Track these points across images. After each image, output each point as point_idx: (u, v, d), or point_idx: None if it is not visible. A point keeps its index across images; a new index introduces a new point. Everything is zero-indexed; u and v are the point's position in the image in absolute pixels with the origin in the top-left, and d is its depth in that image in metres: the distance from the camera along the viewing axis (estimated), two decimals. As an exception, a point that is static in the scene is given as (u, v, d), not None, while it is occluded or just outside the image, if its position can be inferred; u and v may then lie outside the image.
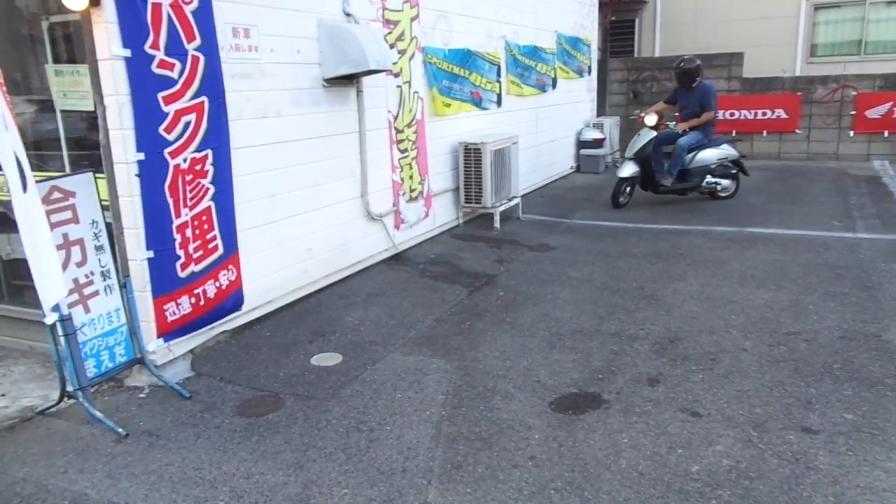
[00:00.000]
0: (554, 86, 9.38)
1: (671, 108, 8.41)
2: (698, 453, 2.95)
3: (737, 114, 11.68)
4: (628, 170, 7.96)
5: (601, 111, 12.38)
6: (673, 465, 2.87)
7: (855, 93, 10.93)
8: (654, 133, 7.85)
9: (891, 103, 10.71)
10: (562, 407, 3.41)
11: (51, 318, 3.09)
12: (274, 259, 4.60)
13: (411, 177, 6.17)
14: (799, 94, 11.26)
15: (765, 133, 11.62)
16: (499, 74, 7.70)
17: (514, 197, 7.52)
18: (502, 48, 7.83)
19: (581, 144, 10.91)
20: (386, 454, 3.03)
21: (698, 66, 7.91)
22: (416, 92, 6.11)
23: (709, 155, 8.05)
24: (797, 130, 11.43)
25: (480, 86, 7.29)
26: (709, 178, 8.08)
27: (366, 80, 5.29)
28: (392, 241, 5.98)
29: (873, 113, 10.86)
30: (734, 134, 11.72)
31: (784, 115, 11.42)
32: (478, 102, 7.29)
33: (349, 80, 5.09)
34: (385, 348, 4.17)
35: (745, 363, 3.82)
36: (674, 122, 8.09)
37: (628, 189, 8.09)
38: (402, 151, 6.01)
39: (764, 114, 11.55)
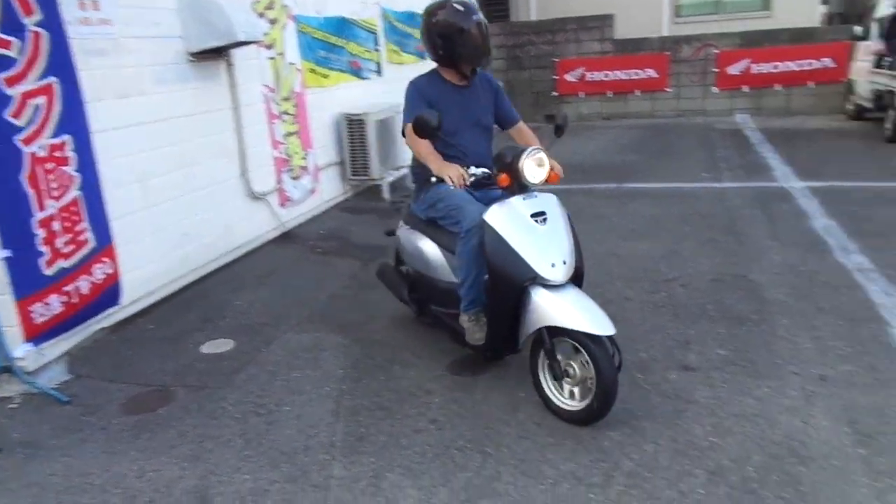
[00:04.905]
0: (434, 53, 9.36)
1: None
2: (590, 399, 3.06)
3: (610, 75, 12.12)
4: None
5: (483, 77, 12.50)
6: (567, 413, 2.99)
7: (716, 51, 11.60)
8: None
9: (748, 60, 11.46)
10: (460, 369, 3.46)
11: None
12: (152, 247, 4.36)
13: (295, 152, 6.00)
14: (667, 53, 11.82)
15: (637, 92, 12.14)
16: (376, 43, 7.59)
17: (402, 166, 7.48)
18: (378, 15, 7.70)
19: (465, 111, 10.99)
20: (287, 435, 2.97)
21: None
22: (291, 63, 5.91)
23: None
24: (667, 89, 12.02)
25: (358, 55, 7.16)
26: None
27: (236, 52, 5.05)
28: (279, 220, 5.81)
29: (734, 69, 11.58)
30: (610, 95, 12.20)
31: (655, 75, 11.97)
32: (357, 72, 7.17)
33: (218, 53, 4.83)
34: (279, 329, 4.07)
35: (629, 311, 4.02)
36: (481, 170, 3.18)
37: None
38: (283, 126, 5.82)
39: (636, 74, 12.05)
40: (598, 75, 12.16)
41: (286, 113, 5.85)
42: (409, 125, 3.16)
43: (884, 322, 3.69)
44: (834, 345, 3.48)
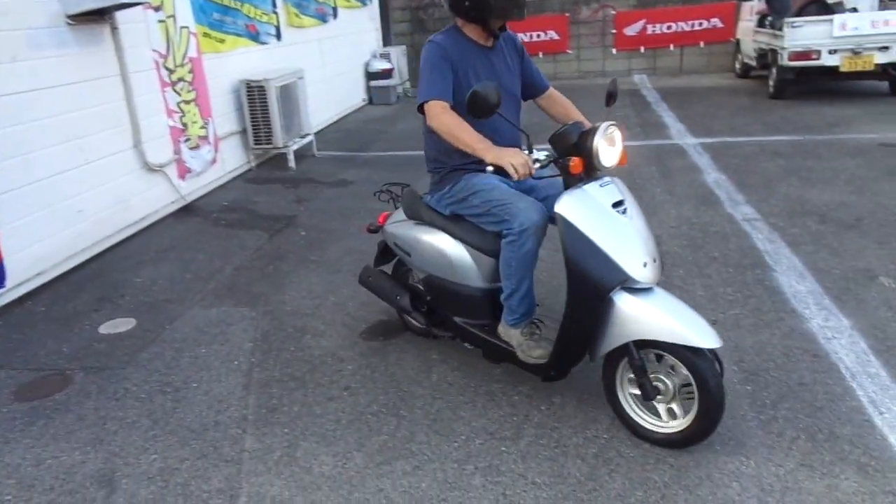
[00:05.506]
0: (335, 15, 9.10)
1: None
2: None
3: (514, 37, 12.19)
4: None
5: (386, 41, 12.30)
6: (481, 369, 3.06)
7: (614, 12, 11.89)
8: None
9: (644, 20, 11.82)
10: (373, 335, 3.47)
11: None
12: (40, 225, 4.10)
13: (193, 121, 5.73)
14: (567, 14, 12.00)
15: (540, 55, 12.30)
16: (274, 5, 7.31)
17: (307, 134, 7.32)
18: (275, -24, 7.41)
19: (370, 76, 10.82)
20: (196, 412, 2.90)
21: None
22: (184, 27, 5.61)
23: None
24: (568, 51, 12.25)
25: (256, 18, 6.88)
26: None
27: (120, 15, 4.74)
28: (178, 192, 5.57)
29: (630, 30, 11.93)
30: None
31: (556, 37, 12.16)
32: (255, 36, 6.89)
33: (100, 15, 4.52)
34: (183, 305, 3.94)
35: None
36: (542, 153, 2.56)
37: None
38: (178, 94, 5.54)
39: (538, 36, 12.19)
40: (502, 38, 12.19)
41: (182, 80, 5.57)
42: (438, 103, 2.58)
43: (767, 267, 3.96)
44: (724, 291, 3.71)
